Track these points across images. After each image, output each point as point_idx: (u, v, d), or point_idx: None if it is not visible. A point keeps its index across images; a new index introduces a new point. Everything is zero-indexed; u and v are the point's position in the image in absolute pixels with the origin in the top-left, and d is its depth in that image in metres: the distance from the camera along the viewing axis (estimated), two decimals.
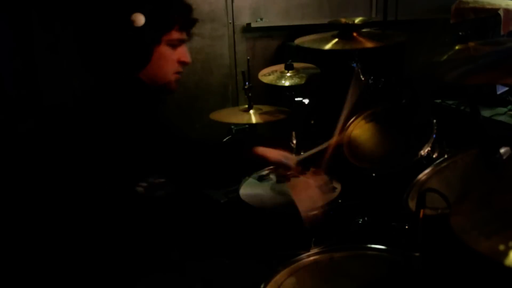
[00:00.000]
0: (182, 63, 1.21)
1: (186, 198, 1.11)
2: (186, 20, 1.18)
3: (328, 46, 1.85)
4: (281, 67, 2.11)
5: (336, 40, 1.89)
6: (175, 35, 1.14)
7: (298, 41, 1.99)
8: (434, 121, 1.63)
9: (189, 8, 1.19)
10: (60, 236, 1.08)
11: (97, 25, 1.07)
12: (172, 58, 1.17)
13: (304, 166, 1.89)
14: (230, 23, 2.92)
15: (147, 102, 1.17)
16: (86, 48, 1.13)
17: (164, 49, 1.14)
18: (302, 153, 1.61)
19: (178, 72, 1.21)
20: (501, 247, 0.58)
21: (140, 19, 1.04)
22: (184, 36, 1.18)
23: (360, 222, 1.79)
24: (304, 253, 1.24)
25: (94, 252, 1.10)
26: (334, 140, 1.53)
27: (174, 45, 1.15)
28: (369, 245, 1.23)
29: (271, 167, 1.91)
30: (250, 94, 2.18)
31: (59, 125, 1.12)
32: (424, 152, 1.54)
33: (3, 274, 1.11)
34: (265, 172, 1.89)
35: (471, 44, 1.50)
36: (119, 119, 1.06)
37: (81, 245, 1.08)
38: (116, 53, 1.08)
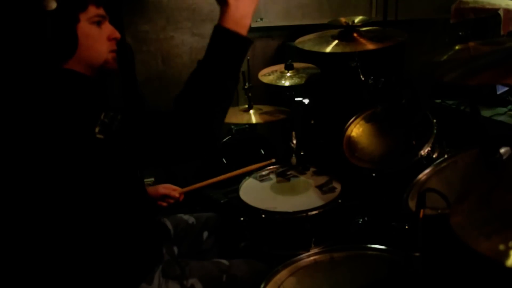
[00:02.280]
0: (114, 40, 1.14)
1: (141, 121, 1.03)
2: None
3: (328, 49, 1.86)
4: (281, 67, 2.11)
5: (336, 42, 1.89)
6: (93, 11, 1.07)
7: (298, 42, 1.99)
8: (434, 121, 1.63)
9: None
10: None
11: (9, 17, 1.00)
12: (100, 36, 1.11)
13: (304, 166, 1.89)
14: None
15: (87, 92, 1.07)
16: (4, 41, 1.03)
17: (88, 28, 1.07)
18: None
19: (113, 50, 1.15)
20: (501, 247, 0.57)
21: (51, 2, 0.98)
22: (102, 12, 1.10)
23: (360, 222, 1.79)
24: (304, 253, 1.24)
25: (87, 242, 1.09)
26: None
27: (98, 22, 1.09)
28: (369, 245, 1.23)
29: (271, 167, 1.91)
30: (250, 94, 2.18)
31: None
32: (424, 152, 1.54)
33: None
34: (265, 172, 1.89)
35: (471, 44, 1.50)
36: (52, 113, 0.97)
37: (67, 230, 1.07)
38: (39, 44, 1.00)
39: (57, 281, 1.08)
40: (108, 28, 1.13)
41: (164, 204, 1.56)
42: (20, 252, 1.09)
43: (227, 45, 1.08)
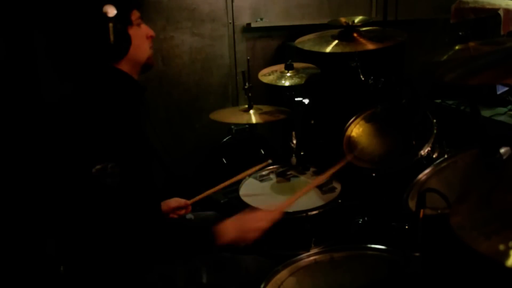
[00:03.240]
0: (150, 38, 1.28)
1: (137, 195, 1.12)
2: None
3: (328, 49, 1.86)
4: (281, 67, 2.12)
5: (336, 42, 1.89)
6: (136, 13, 1.22)
7: (298, 42, 1.99)
8: (434, 121, 1.63)
9: None
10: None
11: (75, 26, 1.13)
12: (142, 35, 1.25)
13: (304, 166, 1.89)
14: (230, 23, 2.92)
15: (132, 93, 1.24)
16: (68, 50, 1.18)
17: (135, 29, 1.20)
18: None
19: (151, 47, 1.29)
20: (501, 247, 0.57)
21: (111, 9, 1.11)
22: (139, 13, 1.24)
23: (360, 222, 1.79)
24: (304, 253, 1.24)
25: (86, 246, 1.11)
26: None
27: (138, 23, 1.23)
28: (369, 245, 1.23)
29: (271, 167, 1.91)
30: (250, 94, 2.18)
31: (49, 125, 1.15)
32: (424, 152, 1.54)
33: None
34: (265, 172, 1.89)
35: (471, 44, 1.50)
36: (109, 108, 1.11)
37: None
38: (101, 45, 1.14)
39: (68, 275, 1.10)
40: (145, 28, 1.26)
41: (175, 216, 1.60)
42: (30, 249, 1.11)
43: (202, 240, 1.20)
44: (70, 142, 1.08)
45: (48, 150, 1.14)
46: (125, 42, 1.17)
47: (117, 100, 1.15)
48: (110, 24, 1.11)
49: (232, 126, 2.56)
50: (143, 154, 1.16)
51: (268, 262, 1.39)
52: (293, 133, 1.84)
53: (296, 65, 2.09)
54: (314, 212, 1.54)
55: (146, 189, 1.16)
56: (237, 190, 1.75)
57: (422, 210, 0.98)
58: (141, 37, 1.23)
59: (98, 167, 1.02)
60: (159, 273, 1.22)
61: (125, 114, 1.14)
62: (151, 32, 1.28)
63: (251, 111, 2.14)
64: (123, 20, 1.16)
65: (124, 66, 1.21)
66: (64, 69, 1.21)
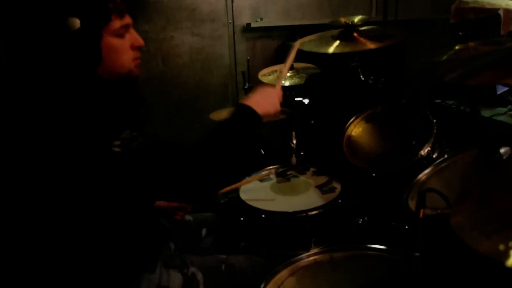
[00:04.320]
0: (137, 48, 1.15)
1: (159, 151, 1.06)
2: (123, 5, 1.09)
3: (329, 50, 1.85)
4: (281, 67, 2.11)
5: (337, 42, 1.89)
6: (117, 24, 1.07)
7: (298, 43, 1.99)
8: (434, 121, 1.63)
9: None
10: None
11: (35, 35, 1.03)
12: (123, 47, 1.11)
13: (304, 166, 1.89)
14: (230, 23, 2.93)
15: (112, 98, 1.11)
16: (33, 59, 1.07)
17: (111, 41, 1.07)
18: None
19: (136, 58, 1.16)
20: (501, 247, 0.57)
21: (75, 22, 1.01)
22: (127, 20, 1.10)
23: (360, 222, 1.79)
24: (304, 253, 1.24)
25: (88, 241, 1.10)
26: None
27: (120, 34, 1.09)
28: (369, 245, 1.23)
29: (271, 167, 1.91)
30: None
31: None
32: (424, 152, 1.54)
33: None
34: (265, 172, 1.89)
35: (471, 44, 1.50)
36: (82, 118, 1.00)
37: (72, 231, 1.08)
38: (64, 60, 1.04)
39: (62, 274, 1.10)
40: (131, 37, 1.13)
41: (178, 216, 1.58)
42: (24, 249, 1.10)
43: (246, 118, 1.21)
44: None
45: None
46: (92, 56, 1.05)
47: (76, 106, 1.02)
48: (72, 38, 1.01)
49: None
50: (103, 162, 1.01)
51: (261, 261, 1.39)
52: (293, 133, 1.84)
53: (296, 65, 2.09)
54: (314, 212, 1.54)
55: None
56: (237, 190, 1.75)
57: (422, 210, 0.98)
58: (118, 50, 1.10)
59: (117, 143, 0.97)
60: (156, 284, 1.21)
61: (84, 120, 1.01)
62: (138, 42, 1.14)
63: None
64: (89, 34, 1.03)
65: (105, 74, 1.10)
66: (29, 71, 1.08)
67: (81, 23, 1.01)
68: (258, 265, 1.36)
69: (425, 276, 1.01)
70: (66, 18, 1.00)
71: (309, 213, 1.54)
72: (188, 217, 1.61)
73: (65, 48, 1.02)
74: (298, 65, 2.12)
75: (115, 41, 1.08)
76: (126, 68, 1.13)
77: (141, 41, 1.15)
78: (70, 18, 1.00)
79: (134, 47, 1.14)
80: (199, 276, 1.27)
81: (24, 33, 1.04)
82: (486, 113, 2.14)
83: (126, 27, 1.10)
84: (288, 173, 1.87)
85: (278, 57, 3.04)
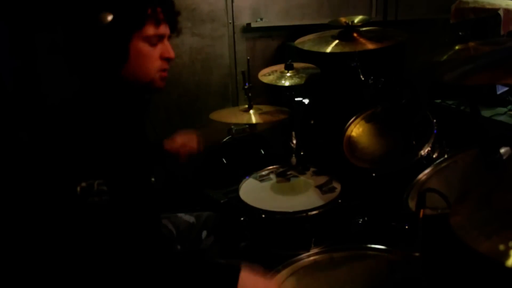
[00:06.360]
0: (166, 60, 1.15)
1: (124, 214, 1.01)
2: (164, 14, 1.10)
3: (328, 49, 1.85)
4: (281, 67, 2.11)
5: (336, 42, 1.89)
6: (150, 31, 1.08)
7: (298, 42, 1.99)
8: (434, 121, 1.63)
9: (166, 2, 1.12)
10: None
11: (70, 26, 1.05)
12: (152, 55, 1.11)
13: (304, 166, 1.89)
14: (230, 23, 2.93)
15: (133, 101, 1.15)
16: (67, 49, 1.09)
17: (141, 46, 1.08)
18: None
19: (163, 70, 1.16)
20: (501, 247, 0.57)
21: (106, 17, 1.02)
22: (163, 31, 1.11)
23: (360, 222, 1.79)
24: (304, 253, 1.24)
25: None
26: None
27: (152, 42, 1.10)
28: (369, 245, 1.23)
29: (271, 167, 1.91)
30: (250, 94, 2.18)
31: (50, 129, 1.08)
32: (424, 152, 1.54)
33: None
34: (265, 172, 1.89)
35: (471, 44, 1.50)
36: (104, 119, 1.04)
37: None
38: (92, 53, 1.05)
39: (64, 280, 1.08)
40: (163, 47, 1.13)
41: (186, 153, 1.55)
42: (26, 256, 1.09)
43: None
44: (56, 153, 0.99)
45: (36, 159, 1.03)
46: (118, 55, 1.06)
47: (111, 111, 1.06)
48: (101, 32, 1.02)
49: (232, 126, 2.55)
50: (137, 169, 1.06)
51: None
52: (293, 133, 1.84)
53: (296, 65, 2.09)
54: (314, 212, 1.54)
55: (140, 207, 1.07)
56: (237, 190, 1.75)
57: (422, 210, 0.98)
58: (147, 57, 1.10)
59: (83, 184, 0.94)
60: None
61: (118, 125, 1.06)
62: (168, 54, 1.13)
63: (251, 111, 2.14)
64: (119, 32, 1.04)
65: (129, 76, 1.11)
66: (70, 69, 1.13)
67: (113, 20, 1.02)
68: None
69: (425, 276, 1.01)
70: (99, 11, 1.02)
71: (309, 213, 1.54)
72: (191, 220, 1.60)
73: (92, 40, 1.03)
74: (298, 65, 2.12)
75: (144, 47, 1.09)
76: (150, 77, 1.14)
77: (172, 54, 1.15)
78: (103, 12, 1.02)
79: (163, 58, 1.14)
80: None
81: (54, 21, 1.09)
82: (486, 113, 2.14)
83: (160, 37, 1.11)
84: (288, 173, 1.87)
85: (278, 57, 3.04)
